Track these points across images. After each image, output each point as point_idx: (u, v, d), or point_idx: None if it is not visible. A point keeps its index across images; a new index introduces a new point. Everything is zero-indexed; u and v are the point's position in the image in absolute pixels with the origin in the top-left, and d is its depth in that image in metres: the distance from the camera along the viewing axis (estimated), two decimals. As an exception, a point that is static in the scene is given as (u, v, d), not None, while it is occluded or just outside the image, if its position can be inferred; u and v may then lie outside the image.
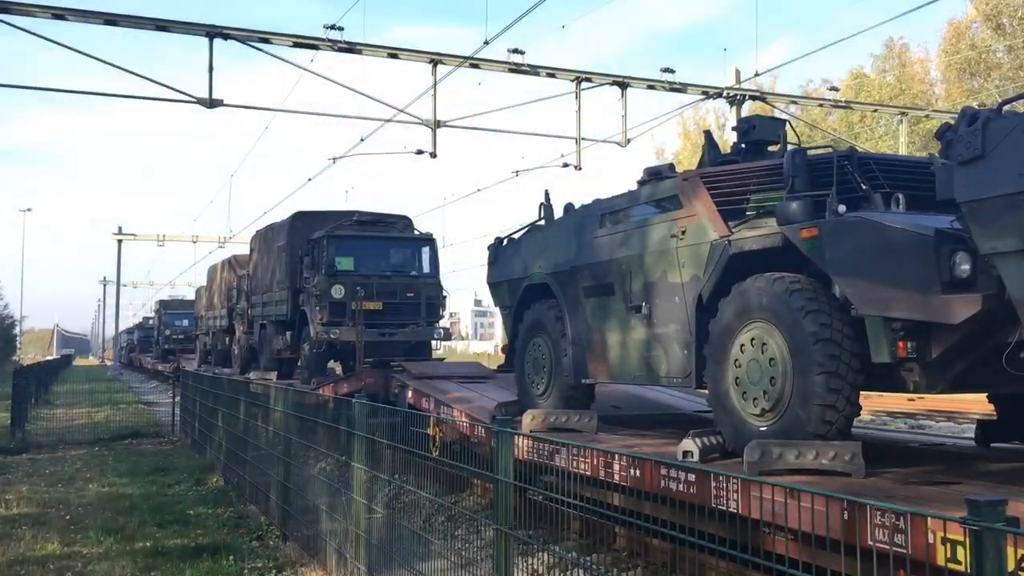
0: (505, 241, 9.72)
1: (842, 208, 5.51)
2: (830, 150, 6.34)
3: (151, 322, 54.22)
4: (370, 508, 6.53)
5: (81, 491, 12.09)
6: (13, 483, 12.80)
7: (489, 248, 9.91)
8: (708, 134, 7.92)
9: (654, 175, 7.25)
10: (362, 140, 20.29)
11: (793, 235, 5.67)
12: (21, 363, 57.23)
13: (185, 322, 42.41)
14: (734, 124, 8.03)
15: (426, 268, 17.82)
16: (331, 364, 19.60)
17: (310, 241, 17.57)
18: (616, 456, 6.90)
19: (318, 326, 16.78)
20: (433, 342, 17.64)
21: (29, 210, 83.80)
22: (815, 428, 5.48)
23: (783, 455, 5.43)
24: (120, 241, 57.04)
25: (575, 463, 7.23)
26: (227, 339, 26.53)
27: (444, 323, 17.79)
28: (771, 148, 7.35)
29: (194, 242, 52.72)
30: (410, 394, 11.08)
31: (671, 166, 7.34)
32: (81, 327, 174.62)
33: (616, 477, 6.33)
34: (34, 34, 18.20)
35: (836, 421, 5.47)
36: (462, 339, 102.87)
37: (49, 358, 62.67)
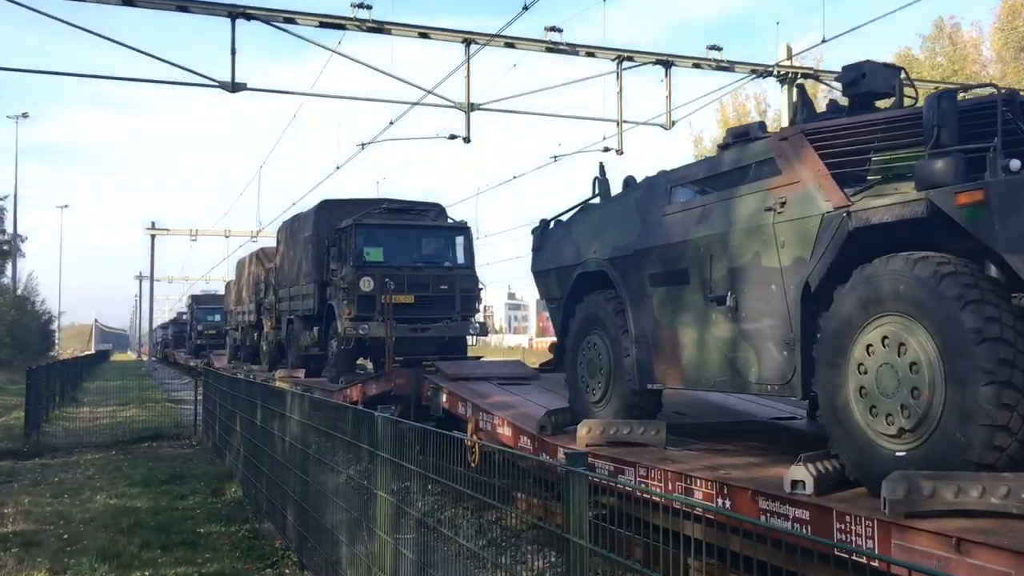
0: (552, 223, 8.40)
1: (1015, 164, 4.13)
2: (989, 93, 4.90)
3: (184, 317, 53.61)
4: (397, 548, 5.25)
5: (86, 504, 10.95)
6: (16, 493, 11.70)
7: (533, 232, 8.58)
8: (802, 90, 6.57)
9: (740, 136, 5.88)
10: (391, 123, 19.03)
11: (945, 201, 4.28)
12: (57, 358, 56.92)
13: (217, 317, 41.60)
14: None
15: (460, 259, 16.54)
16: (361, 361, 18.42)
17: (337, 230, 16.36)
18: (698, 480, 5.58)
19: (346, 321, 15.57)
20: (468, 338, 16.37)
21: (66, 206, 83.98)
22: (980, 456, 4.11)
23: (937, 492, 4.06)
24: (153, 236, 56.45)
25: (644, 485, 5.92)
26: (255, 335, 25.49)
27: (479, 317, 16.50)
28: (880, 104, 5.95)
29: (226, 236, 51.98)
30: (444, 397, 9.81)
31: (761, 124, 5.94)
32: (121, 322, 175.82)
33: (698, 507, 5.00)
34: (48, 15, 17.24)
35: (1009, 447, 4.09)
36: (496, 332, 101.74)
37: (81, 353, 62.33)
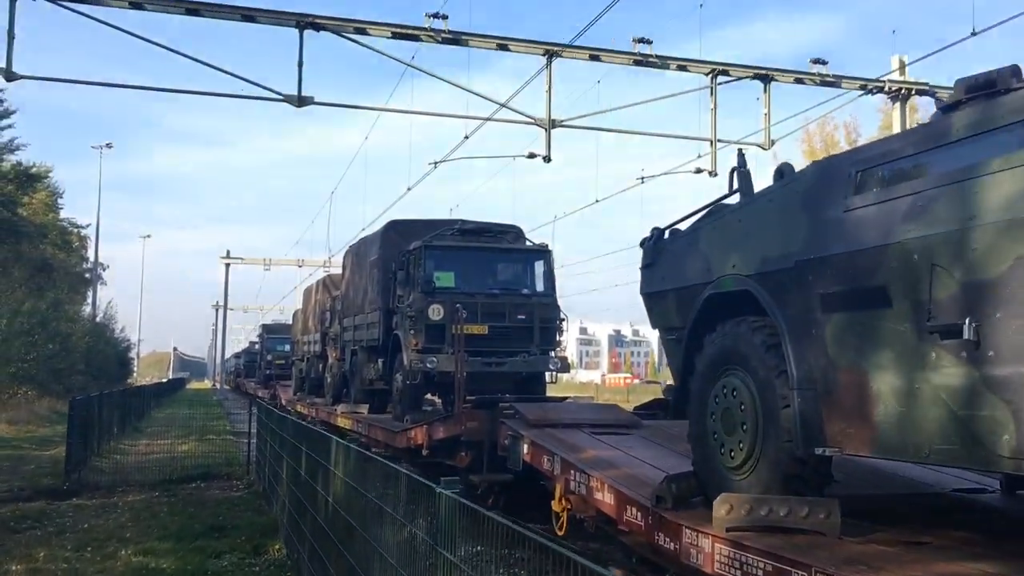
0: (668, 233, 6.52)
1: None
2: None
3: (256, 346, 52.85)
4: None
5: (107, 560, 9.31)
6: (34, 543, 10.15)
7: (643, 245, 6.70)
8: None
9: (982, 88, 3.93)
10: (466, 137, 17.42)
11: None
12: (134, 384, 56.65)
13: (286, 347, 40.49)
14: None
15: (540, 286, 14.70)
16: (429, 397, 16.68)
17: (404, 253, 14.69)
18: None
19: (412, 353, 13.83)
20: (547, 374, 14.49)
21: (148, 236, 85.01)
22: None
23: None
24: (228, 265, 56.01)
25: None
26: (320, 366, 23.99)
27: (560, 351, 14.61)
28: None
29: (299, 265, 51.19)
30: (526, 448, 7.93)
31: (1015, 69, 3.97)
32: (200, 350, 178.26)
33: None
34: (107, 24, 16.14)
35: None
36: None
37: (147, 382, 62.13)
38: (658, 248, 6.46)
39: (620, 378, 78.07)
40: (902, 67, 20.25)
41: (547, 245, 14.94)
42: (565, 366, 14.46)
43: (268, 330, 45.42)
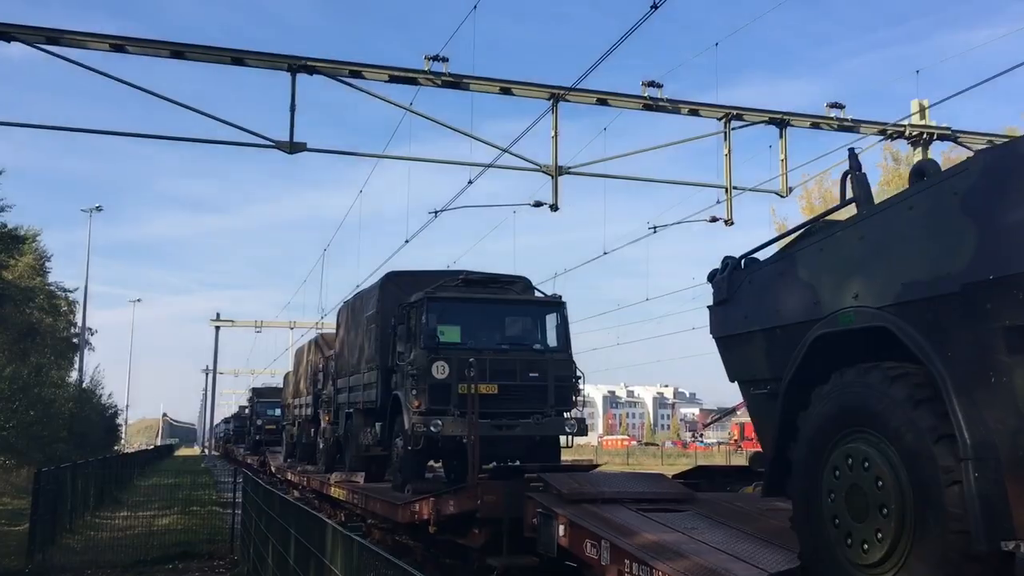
0: (743, 263, 5.21)
1: None
2: None
3: (246, 411, 51.13)
4: None
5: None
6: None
7: (712, 280, 5.40)
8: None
9: None
10: (470, 182, 16.22)
11: None
12: (121, 451, 54.57)
13: (277, 411, 38.92)
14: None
15: (553, 341, 13.33)
16: (431, 463, 15.20)
17: (405, 306, 13.35)
18: None
19: (414, 415, 12.40)
20: (563, 438, 13.05)
21: (139, 300, 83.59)
22: None
23: None
24: (218, 328, 54.50)
25: None
26: (312, 430, 22.45)
27: (576, 412, 13.18)
28: None
29: (291, 328, 49.73)
30: (562, 529, 6.50)
31: None
32: (191, 416, 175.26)
33: None
34: (89, 68, 15.00)
35: None
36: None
37: (135, 448, 60.06)
38: (735, 280, 5.14)
39: (618, 440, 76.12)
40: (922, 111, 19.25)
41: (560, 296, 13.62)
42: (583, 428, 13.01)
43: (258, 394, 43.83)
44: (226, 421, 67.63)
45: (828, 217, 4.76)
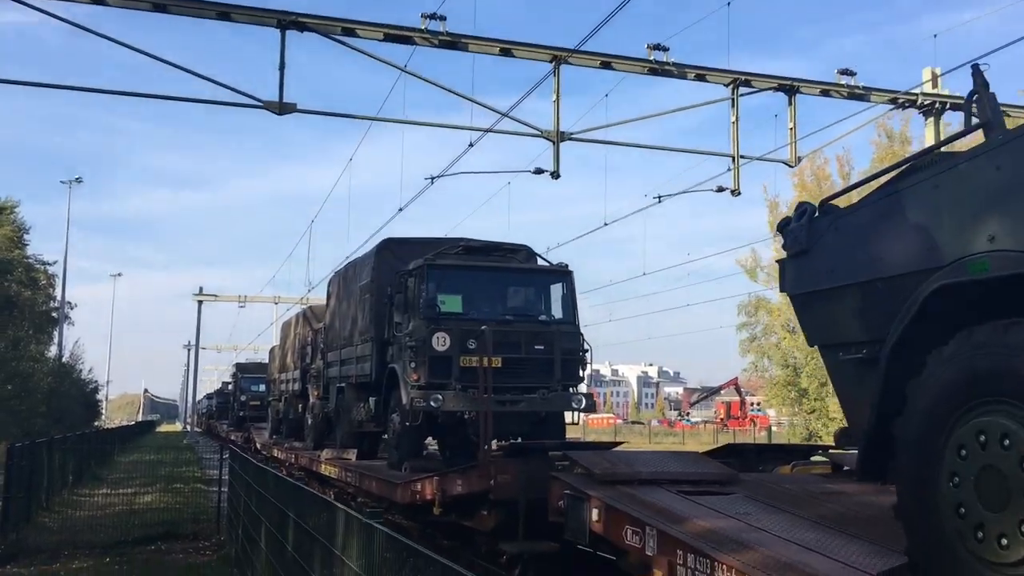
0: (818, 211, 4.46)
1: None
2: None
3: (229, 387, 50.25)
4: None
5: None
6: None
7: (783, 229, 4.65)
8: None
9: None
10: (471, 145, 15.42)
11: None
12: (103, 427, 53.57)
13: (261, 387, 38.12)
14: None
15: (559, 312, 12.59)
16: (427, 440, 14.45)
17: (402, 275, 12.56)
18: None
19: (413, 389, 11.64)
20: (569, 415, 12.35)
21: (119, 275, 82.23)
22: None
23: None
24: (200, 303, 53.44)
25: None
26: (300, 406, 21.65)
27: (583, 387, 12.46)
28: None
29: (276, 302, 48.77)
30: (595, 514, 5.76)
31: None
32: (172, 392, 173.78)
33: None
34: (64, 20, 14.06)
35: None
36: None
37: (115, 425, 59.07)
38: (816, 228, 4.39)
39: (603, 418, 75.79)
40: (935, 79, 18.55)
41: (566, 265, 12.85)
42: (591, 404, 12.30)
43: (242, 369, 42.95)
44: (209, 397, 66.69)
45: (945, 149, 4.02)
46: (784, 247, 4.55)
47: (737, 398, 68.59)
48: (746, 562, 4.37)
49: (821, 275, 4.33)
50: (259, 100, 15.14)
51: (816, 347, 4.56)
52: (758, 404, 67.86)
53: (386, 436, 13.49)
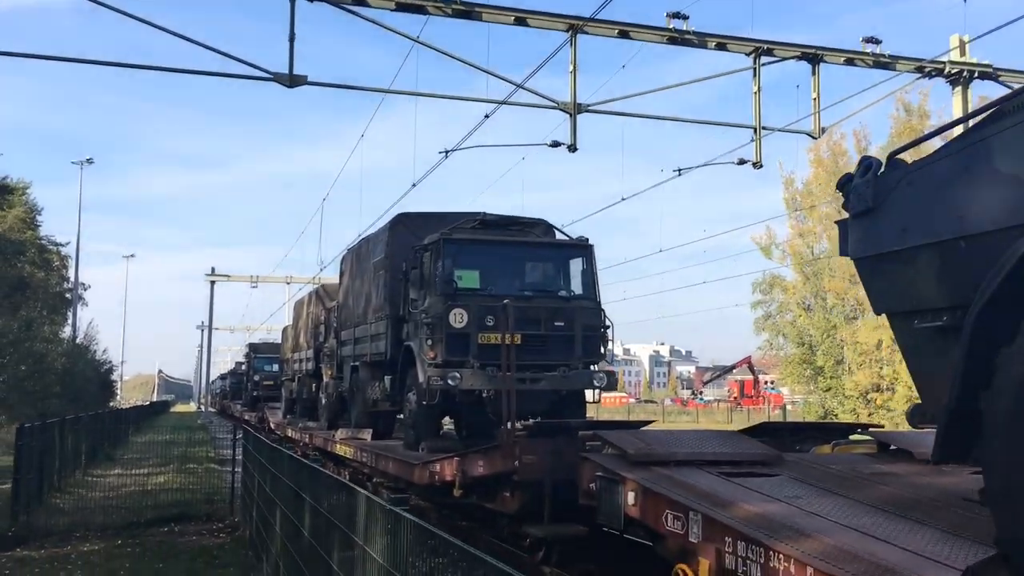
0: (884, 165, 4.03)
1: None
2: None
3: (242, 367, 50.09)
4: None
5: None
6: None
7: (844, 187, 4.22)
8: None
9: None
10: (487, 116, 14.98)
11: None
12: (117, 407, 53.53)
13: (275, 367, 37.89)
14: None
15: (580, 287, 12.18)
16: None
17: (418, 250, 12.16)
18: None
19: (430, 368, 11.28)
20: (590, 392, 11.96)
21: (132, 256, 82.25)
22: None
23: None
24: (213, 283, 53.21)
25: None
26: (314, 386, 21.34)
27: (605, 364, 12.06)
28: None
29: (288, 282, 48.48)
30: (631, 497, 5.38)
31: None
32: (187, 373, 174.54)
33: None
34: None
35: None
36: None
37: (130, 405, 59.09)
38: (884, 184, 3.96)
39: (615, 397, 75.47)
40: (962, 47, 17.97)
41: (587, 239, 12.42)
42: (612, 382, 11.91)
43: (255, 349, 42.72)
44: (222, 377, 66.66)
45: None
46: (846, 207, 4.13)
47: (749, 377, 68.13)
48: (805, 551, 3.98)
49: (891, 235, 3.91)
50: (269, 72, 14.77)
51: (882, 315, 4.15)
52: (771, 382, 67.39)
53: (401, 415, 13.13)
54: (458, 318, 11.22)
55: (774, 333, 47.63)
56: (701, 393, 74.24)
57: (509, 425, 7.81)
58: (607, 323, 11.91)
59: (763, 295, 47.69)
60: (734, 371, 74.87)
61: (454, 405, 11.88)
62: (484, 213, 12.84)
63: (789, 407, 48.21)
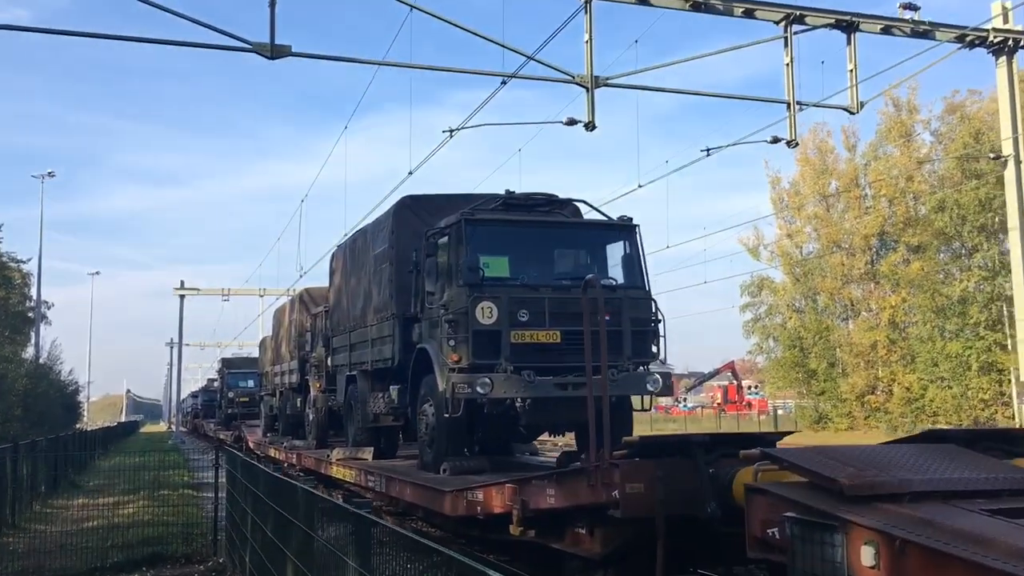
0: None
1: None
2: None
3: (215, 384, 47.61)
4: None
5: None
6: None
7: None
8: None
9: None
10: (504, 82, 13.06)
11: None
12: (84, 429, 50.69)
13: (250, 382, 35.64)
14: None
15: (625, 275, 10.25)
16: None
17: (434, 234, 10.19)
18: None
19: (454, 373, 9.27)
20: (645, 398, 10.03)
21: (97, 273, 79.23)
22: None
23: None
24: (182, 297, 50.66)
25: None
26: (298, 400, 19.21)
27: (660, 365, 10.12)
28: None
29: (261, 295, 46.11)
30: (868, 555, 3.42)
31: None
32: (155, 392, 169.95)
33: None
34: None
35: None
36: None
37: (97, 427, 56.14)
38: None
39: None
40: (1005, 14, 16.38)
41: (631, 218, 10.49)
42: (668, 386, 9.99)
43: (228, 364, 40.37)
44: (194, 395, 63.85)
45: None
46: None
47: (731, 382, 66.67)
48: None
49: None
50: (249, 42, 12.88)
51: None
52: (755, 387, 65.93)
53: (421, 430, 11.04)
54: (486, 312, 9.25)
55: (763, 336, 46.08)
56: (685, 400, 72.62)
57: (594, 443, 5.82)
58: (659, 316, 10.00)
59: (751, 297, 46.17)
60: (714, 378, 73.42)
61: (483, 417, 9.85)
62: (507, 192, 10.87)
63: (780, 412, 46.60)
